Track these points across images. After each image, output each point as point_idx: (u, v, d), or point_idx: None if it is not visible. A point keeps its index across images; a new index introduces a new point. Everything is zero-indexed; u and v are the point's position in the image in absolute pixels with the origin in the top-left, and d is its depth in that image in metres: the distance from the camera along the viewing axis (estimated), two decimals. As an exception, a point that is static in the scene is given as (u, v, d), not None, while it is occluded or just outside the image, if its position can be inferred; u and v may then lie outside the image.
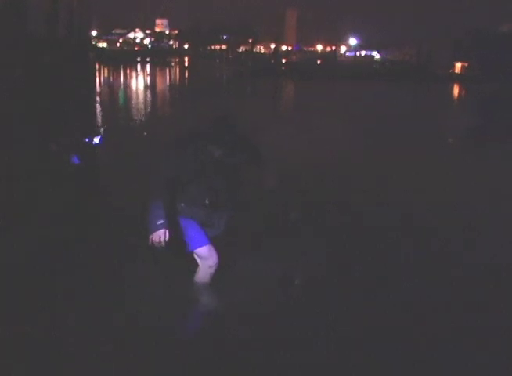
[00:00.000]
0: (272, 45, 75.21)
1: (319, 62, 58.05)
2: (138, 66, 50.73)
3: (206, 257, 3.62)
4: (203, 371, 2.97)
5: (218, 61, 65.04)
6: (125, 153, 8.15)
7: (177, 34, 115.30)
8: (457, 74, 49.10)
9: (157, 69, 47.11)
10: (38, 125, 8.60)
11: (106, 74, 37.88)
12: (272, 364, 3.01)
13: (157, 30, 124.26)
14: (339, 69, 45.12)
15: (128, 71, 42.19)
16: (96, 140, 6.42)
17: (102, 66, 42.14)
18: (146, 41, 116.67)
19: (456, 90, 34.86)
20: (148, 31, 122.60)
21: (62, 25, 27.98)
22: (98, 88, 24.48)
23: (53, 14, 26.54)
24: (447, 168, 8.37)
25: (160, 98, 22.52)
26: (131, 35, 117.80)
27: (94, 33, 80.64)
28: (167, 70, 47.20)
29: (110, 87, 26.34)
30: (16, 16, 19.10)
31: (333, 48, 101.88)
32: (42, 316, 3.37)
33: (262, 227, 4.93)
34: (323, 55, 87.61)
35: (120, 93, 23.31)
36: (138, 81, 32.79)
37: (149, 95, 22.63)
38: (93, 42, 70.06)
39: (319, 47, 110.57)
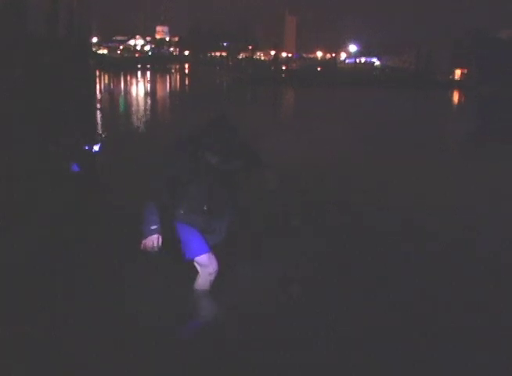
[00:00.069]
0: (272, 52, 75.47)
1: (319, 69, 58.28)
2: (139, 72, 50.94)
3: (206, 264, 3.61)
4: (203, 371, 2.97)
5: (218, 68, 65.30)
6: (125, 156, 8.17)
7: (177, 41, 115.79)
8: (457, 80, 49.35)
9: (158, 75, 47.33)
10: (38, 125, 8.62)
11: (106, 81, 38.00)
12: (272, 364, 3.01)
13: (158, 36, 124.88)
14: (339, 76, 45.34)
15: (129, 78, 42.39)
16: (96, 148, 6.45)
17: (102, 73, 42.27)
18: (147, 47, 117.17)
19: (455, 96, 34.96)
20: (148, 38, 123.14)
21: (62, 25, 27.95)
22: (98, 95, 24.53)
23: (53, 14, 26.48)
24: (447, 172, 8.36)
25: (161, 104, 22.58)
26: (132, 42, 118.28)
27: (95, 40, 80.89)
28: (168, 77, 47.45)
29: (111, 94, 26.40)
30: (16, 16, 19.15)
31: (333, 55, 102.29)
32: (42, 316, 3.37)
33: (262, 227, 4.94)
34: (323, 62, 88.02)
35: (121, 100, 23.36)
36: (139, 88, 32.89)
37: (149, 102, 22.68)
38: (94, 49, 70.28)
39: (319, 54, 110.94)
